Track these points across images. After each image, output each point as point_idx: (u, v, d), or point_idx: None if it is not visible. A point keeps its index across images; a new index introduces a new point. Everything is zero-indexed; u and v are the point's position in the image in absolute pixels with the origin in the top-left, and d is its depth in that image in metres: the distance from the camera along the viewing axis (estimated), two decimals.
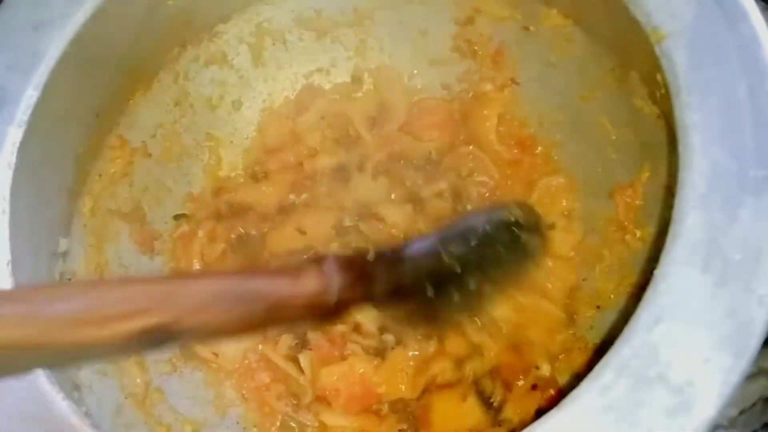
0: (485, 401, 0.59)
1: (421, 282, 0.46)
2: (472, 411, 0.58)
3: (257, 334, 0.59)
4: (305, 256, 0.58)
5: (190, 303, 0.37)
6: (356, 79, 0.71)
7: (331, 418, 0.59)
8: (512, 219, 0.49)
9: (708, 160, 0.41)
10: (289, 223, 0.65)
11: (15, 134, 0.50)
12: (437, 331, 0.59)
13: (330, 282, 0.42)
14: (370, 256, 0.46)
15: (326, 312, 0.42)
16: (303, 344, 0.61)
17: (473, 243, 0.48)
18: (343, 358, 0.60)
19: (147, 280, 0.42)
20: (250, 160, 0.69)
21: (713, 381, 0.36)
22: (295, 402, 0.60)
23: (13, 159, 0.49)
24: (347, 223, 0.64)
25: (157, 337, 0.35)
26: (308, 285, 0.41)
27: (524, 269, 0.52)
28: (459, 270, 0.47)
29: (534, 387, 0.59)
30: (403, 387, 0.59)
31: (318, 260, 0.43)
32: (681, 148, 0.42)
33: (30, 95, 0.50)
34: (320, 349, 0.60)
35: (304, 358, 0.60)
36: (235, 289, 0.39)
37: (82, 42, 0.52)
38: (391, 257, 0.47)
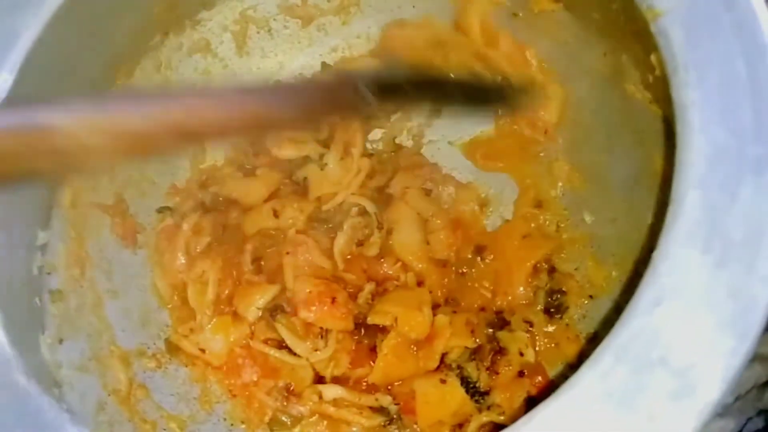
0: (469, 385, 0.58)
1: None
2: (454, 395, 0.57)
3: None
4: None
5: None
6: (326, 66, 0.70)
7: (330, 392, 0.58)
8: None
9: (707, 138, 0.39)
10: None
11: None
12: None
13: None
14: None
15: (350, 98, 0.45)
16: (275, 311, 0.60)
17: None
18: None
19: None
20: (237, 151, 0.68)
21: (716, 364, 0.35)
22: (285, 394, 0.59)
23: None
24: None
25: None
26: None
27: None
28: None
29: (521, 374, 0.59)
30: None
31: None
32: (679, 127, 0.40)
33: (4, 79, 0.48)
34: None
35: (281, 328, 0.59)
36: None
37: (58, 25, 0.51)
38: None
